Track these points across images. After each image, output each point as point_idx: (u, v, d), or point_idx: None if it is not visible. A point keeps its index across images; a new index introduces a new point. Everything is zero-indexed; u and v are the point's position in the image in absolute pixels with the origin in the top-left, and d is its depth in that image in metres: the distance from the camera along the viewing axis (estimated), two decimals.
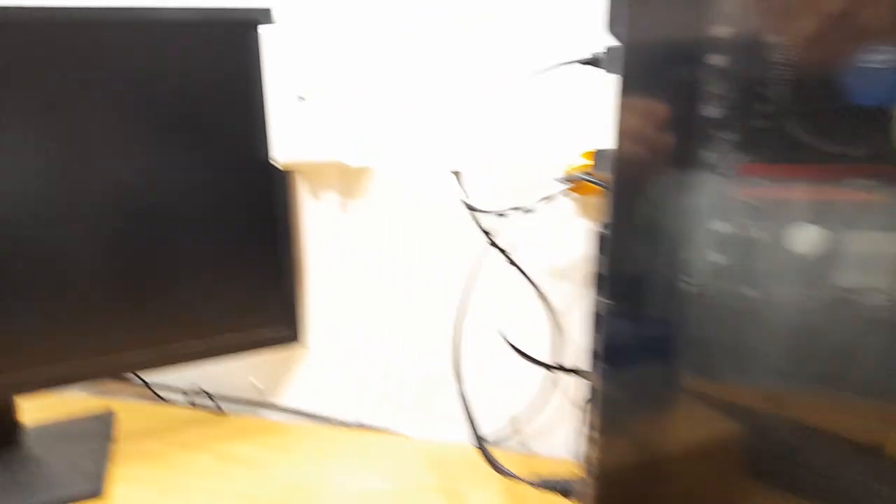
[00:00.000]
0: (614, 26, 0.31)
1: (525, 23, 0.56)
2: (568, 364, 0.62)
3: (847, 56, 0.29)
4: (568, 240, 0.61)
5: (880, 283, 0.31)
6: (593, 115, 0.55)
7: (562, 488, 0.45)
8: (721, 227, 0.32)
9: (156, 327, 0.65)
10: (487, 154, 0.61)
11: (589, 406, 0.35)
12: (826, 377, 0.32)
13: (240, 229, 0.66)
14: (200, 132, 0.62)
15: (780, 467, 0.34)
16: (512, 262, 0.61)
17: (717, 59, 0.30)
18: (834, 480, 0.33)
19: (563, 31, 0.56)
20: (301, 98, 0.62)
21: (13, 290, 0.58)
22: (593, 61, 0.39)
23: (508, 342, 0.55)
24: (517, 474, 0.50)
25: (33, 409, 0.71)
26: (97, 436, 0.69)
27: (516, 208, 0.54)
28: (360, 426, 0.73)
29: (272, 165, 0.65)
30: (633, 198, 0.32)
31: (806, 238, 0.32)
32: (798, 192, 0.31)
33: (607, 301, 0.32)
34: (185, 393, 0.80)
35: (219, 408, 0.79)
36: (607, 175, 0.32)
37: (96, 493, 0.59)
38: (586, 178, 0.48)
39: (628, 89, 0.30)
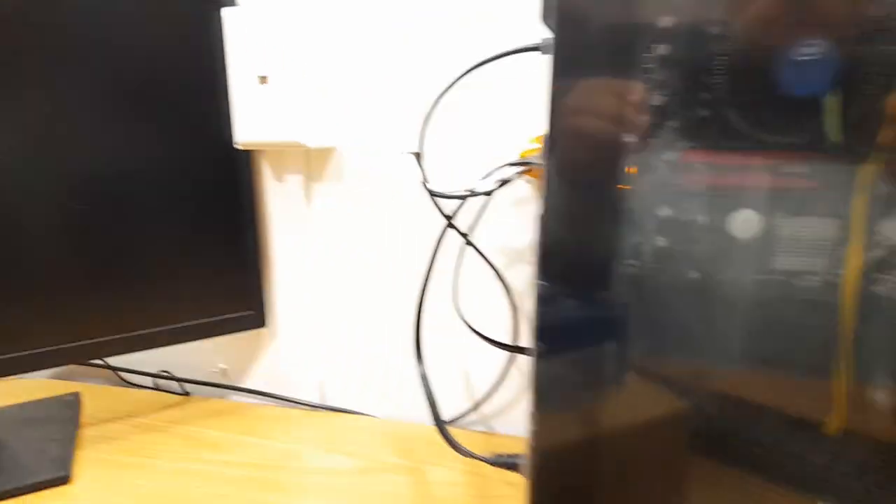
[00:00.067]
0: (547, 18, 0.31)
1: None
2: (524, 343, 0.63)
3: (781, 48, 0.30)
4: (524, 223, 0.62)
5: (815, 266, 0.32)
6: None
7: (512, 464, 0.47)
8: (661, 211, 0.33)
9: (121, 311, 0.65)
10: (447, 137, 0.62)
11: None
12: (765, 356, 0.34)
13: (204, 212, 0.66)
14: (163, 114, 0.62)
15: (720, 443, 0.35)
16: (470, 244, 0.62)
17: (649, 47, 0.31)
18: (772, 454, 0.34)
19: None
20: (262, 79, 0.62)
21: None
22: (540, 48, 0.40)
23: (466, 322, 0.56)
24: (475, 452, 0.52)
25: None
26: (63, 420, 0.69)
27: (474, 192, 0.55)
28: (325, 407, 0.75)
29: (235, 148, 0.65)
30: (568, 183, 0.33)
31: (744, 223, 0.33)
32: (737, 179, 0.33)
33: (542, 282, 0.33)
34: (150, 376, 0.80)
35: (185, 391, 0.79)
36: (543, 160, 0.33)
37: (64, 477, 0.59)
38: (535, 163, 0.49)
39: (558, 76, 0.31)
